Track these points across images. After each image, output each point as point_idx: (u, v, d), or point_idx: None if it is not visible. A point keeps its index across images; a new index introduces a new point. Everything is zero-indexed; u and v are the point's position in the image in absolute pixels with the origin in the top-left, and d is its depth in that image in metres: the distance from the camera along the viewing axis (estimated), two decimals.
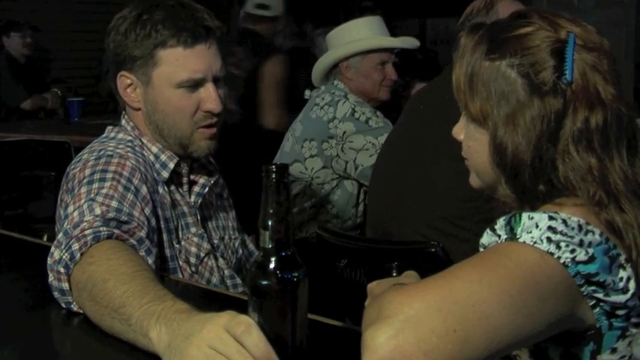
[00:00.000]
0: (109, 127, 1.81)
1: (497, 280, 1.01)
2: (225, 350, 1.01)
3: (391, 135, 2.80)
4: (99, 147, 1.72)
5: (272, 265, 1.04)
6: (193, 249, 1.76)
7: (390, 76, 3.21)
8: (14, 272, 1.79)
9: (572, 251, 1.05)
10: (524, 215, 1.09)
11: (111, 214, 1.49)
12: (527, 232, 1.07)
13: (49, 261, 1.43)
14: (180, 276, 1.73)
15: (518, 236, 1.07)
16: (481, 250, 1.14)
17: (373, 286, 1.30)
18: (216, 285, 1.79)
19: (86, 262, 1.37)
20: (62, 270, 1.39)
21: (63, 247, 1.42)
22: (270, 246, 1.04)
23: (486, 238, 1.14)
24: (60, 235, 1.46)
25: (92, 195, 1.54)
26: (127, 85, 1.75)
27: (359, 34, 3.24)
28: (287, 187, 1.03)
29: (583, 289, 1.06)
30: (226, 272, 1.83)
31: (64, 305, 1.42)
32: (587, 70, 1.14)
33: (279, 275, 1.04)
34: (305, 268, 1.06)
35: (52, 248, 1.44)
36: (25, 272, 1.75)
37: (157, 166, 1.75)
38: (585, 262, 1.05)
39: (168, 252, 1.71)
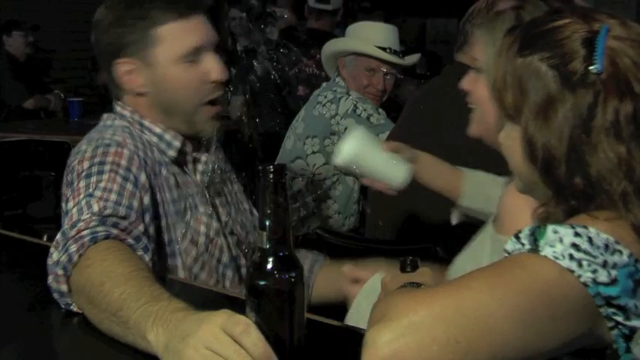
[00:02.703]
0: (105, 115, 1.80)
1: (509, 294, 0.99)
2: (223, 351, 1.01)
3: (392, 134, 2.80)
4: (96, 136, 1.71)
5: (269, 266, 1.04)
6: (202, 228, 1.74)
7: (375, 85, 3.21)
8: (14, 272, 1.79)
9: (594, 271, 1.01)
10: (550, 228, 1.05)
11: (108, 211, 1.49)
12: (550, 246, 1.03)
13: (49, 262, 1.42)
14: (185, 258, 1.71)
15: (540, 249, 1.04)
16: (504, 255, 1.10)
17: (387, 281, 1.30)
18: (226, 264, 1.78)
19: (83, 264, 1.37)
20: (60, 272, 1.39)
21: (60, 248, 1.41)
22: (267, 246, 1.04)
23: (510, 245, 1.10)
24: (58, 236, 1.45)
25: (91, 189, 1.54)
26: (126, 71, 1.74)
27: (364, 35, 3.26)
28: (284, 187, 1.03)
29: (602, 309, 1.03)
30: (234, 252, 1.81)
31: (63, 306, 1.42)
32: (617, 60, 1.10)
33: (277, 275, 1.04)
34: (302, 269, 1.07)
35: (52, 249, 1.44)
36: (25, 272, 1.75)
37: (163, 146, 1.74)
38: (606, 284, 1.01)
39: (172, 235, 1.70)
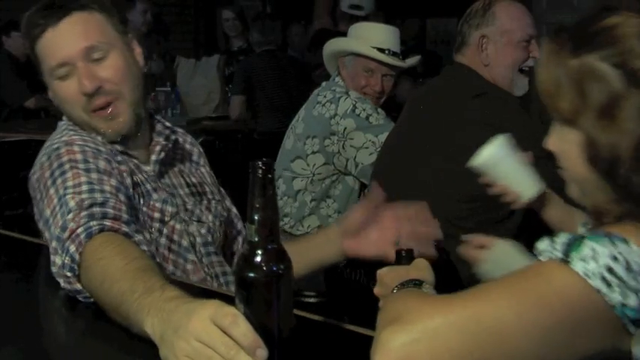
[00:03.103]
0: (59, 122, 1.82)
1: (530, 309, 0.98)
2: (212, 343, 1.03)
3: (391, 134, 2.81)
4: (47, 144, 1.73)
5: (258, 258, 1.06)
6: (156, 214, 1.73)
7: (372, 86, 3.22)
8: (14, 272, 1.79)
9: (624, 295, 0.99)
10: (587, 244, 1.02)
11: (87, 202, 1.49)
12: (583, 261, 1.00)
13: (54, 270, 1.44)
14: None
15: (570, 260, 1.01)
16: (535, 253, 1.08)
17: (383, 274, 1.30)
18: (187, 248, 1.75)
19: (84, 266, 1.39)
20: (69, 274, 1.41)
21: (60, 251, 1.43)
22: (256, 239, 1.06)
23: (544, 245, 1.07)
24: (54, 243, 1.46)
25: (61, 191, 1.54)
26: (48, 88, 1.76)
27: (364, 35, 3.27)
28: (272, 182, 1.06)
29: (629, 328, 1.01)
30: (198, 240, 1.78)
31: (83, 300, 1.43)
32: None
33: (265, 268, 1.06)
34: (291, 261, 1.08)
35: (52, 257, 1.45)
36: (25, 272, 1.77)
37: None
38: (634, 308, 0.99)
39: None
